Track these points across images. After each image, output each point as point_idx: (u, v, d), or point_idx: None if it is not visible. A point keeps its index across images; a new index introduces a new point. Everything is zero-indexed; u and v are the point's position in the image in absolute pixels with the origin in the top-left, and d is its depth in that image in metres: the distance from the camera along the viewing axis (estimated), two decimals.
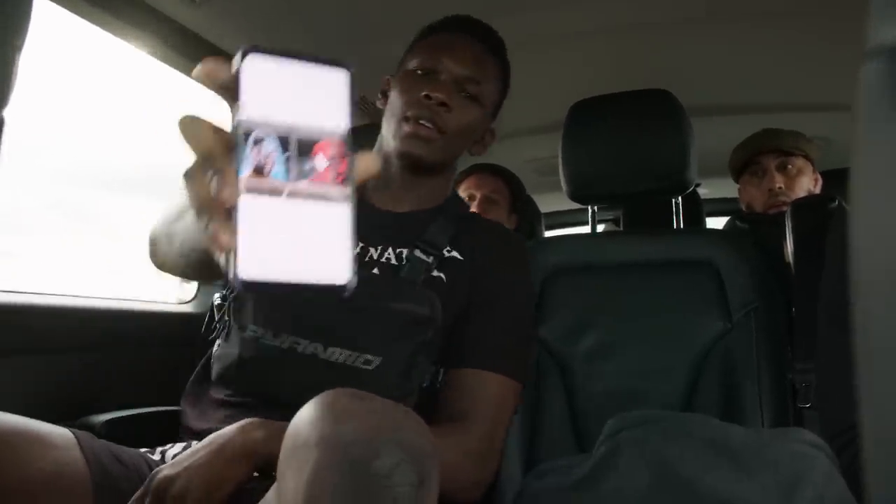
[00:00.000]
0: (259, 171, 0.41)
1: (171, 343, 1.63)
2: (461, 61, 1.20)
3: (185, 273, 1.00)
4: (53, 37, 1.46)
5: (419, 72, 1.21)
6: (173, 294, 1.81)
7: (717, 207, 3.03)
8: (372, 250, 1.18)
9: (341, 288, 0.43)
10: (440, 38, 1.25)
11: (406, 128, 1.15)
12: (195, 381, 1.20)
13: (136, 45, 1.46)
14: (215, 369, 1.13)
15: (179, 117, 0.44)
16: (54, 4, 1.27)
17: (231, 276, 0.41)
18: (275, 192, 0.42)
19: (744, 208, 2.17)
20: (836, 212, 1.47)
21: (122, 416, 1.35)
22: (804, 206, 1.60)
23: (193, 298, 1.78)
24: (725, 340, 1.34)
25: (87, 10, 1.33)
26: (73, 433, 0.96)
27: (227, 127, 0.44)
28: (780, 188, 1.98)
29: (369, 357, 1.06)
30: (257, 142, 0.42)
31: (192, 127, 0.44)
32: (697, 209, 2.36)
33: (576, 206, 1.67)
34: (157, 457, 1.07)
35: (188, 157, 0.46)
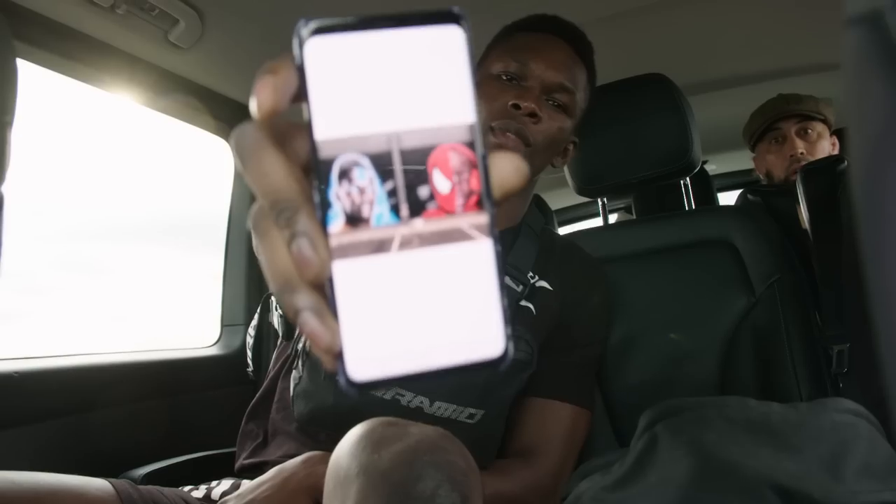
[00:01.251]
0: (354, 218, 0.29)
1: (202, 387, 1.64)
2: (552, 66, 1.10)
3: None
4: (46, 97, 1.48)
5: (504, 77, 1.10)
6: (196, 338, 1.82)
7: (728, 182, 3.01)
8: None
9: (496, 362, 0.31)
10: (527, 40, 1.15)
11: (489, 139, 1.05)
12: (255, 415, 1.18)
13: (129, 97, 1.47)
14: (301, 406, 1.04)
15: (236, 137, 0.31)
16: (42, 68, 1.29)
17: (340, 378, 0.29)
18: (382, 245, 0.29)
19: (762, 177, 2.15)
20: (846, 172, 1.46)
21: (162, 467, 1.36)
22: (814, 171, 1.59)
23: (218, 341, 1.79)
24: (752, 316, 1.32)
25: (76, 70, 1.34)
26: (111, 482, 0.96)
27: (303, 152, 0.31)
28: (801, 153, 1.96)
29: (472, 411, 1.03)
30: (345, 172, 0.29)
31: (252, 155, 0.30)
32: (708, 187, 2.35)
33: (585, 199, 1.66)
34: (200, 493, 1.07)
35: (253, 200, 0.32)
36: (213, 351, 1.77)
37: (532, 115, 1.06)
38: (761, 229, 1.39)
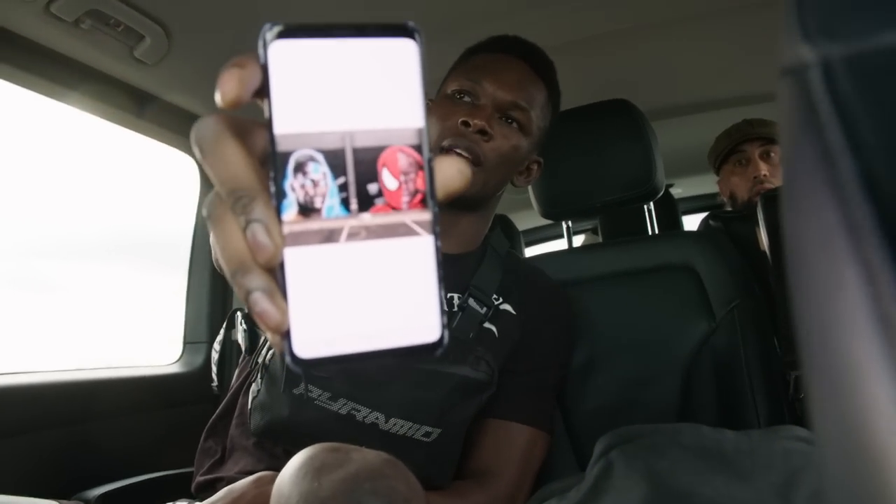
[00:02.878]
0: (306, 208, 0.31)
1: (161, 406, 1.62)
2: (504, 85, 1.09)
3: None
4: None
5: (458, 96, 1.10)
6: (155, 356, 1.80)
7: (693, 205, 3.06)
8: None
9: (432, 347, 0.33)
10: (482, 60, 1.15)
11: None
12: (214, 431, 1.17)
13: (93, 112, 1.46)
14: (257, 418, 1.03)
15: (196, 128, 0.33)
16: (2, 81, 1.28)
17: (285, 355, 0.31)
18: (331, 235, 0.31)
19: (725, 199, 2.18)
20: None
21: (118, 488, 1.34)
22: (773, 198, 1.61)
23: (180, 358, 1.77)
24: (712, 341, 1.34)
25: (37, 84, 1.33)
26: None
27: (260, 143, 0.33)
28: (764, 175, 2.00)
29: (428, 429, 1.02)
30: (300, 166, 0.31)
31: (213, 145, 0.32)
32: (673, 210, 2.38)
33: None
34: None
35: (211, 186, 0.34)
36: (175, 368, 1.75)
37: (482, 132, 1.05)
38: (722, 254, 1.41)
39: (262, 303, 0.30)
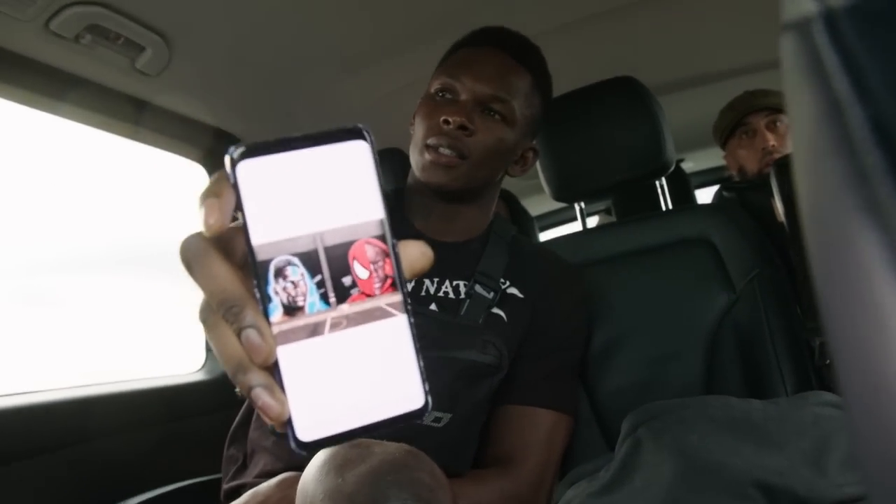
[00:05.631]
0: (291, 308, 0.35)
1: (189, 413, 1.63)
2: (482, 78, 1.10)
3: None
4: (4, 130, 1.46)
5: (439, 94, 1.12)
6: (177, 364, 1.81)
7: (706, 179, 3.04)
8: (427, 283, 1.11)
9: (418, 413, 0.37)
10: (463, 55, 1.16)
11: (426, 157, 1.07)
12: (235, 439, 1.18)
13: (97, 126, 1.47)
14: None
15: (182, 247, 0.36)
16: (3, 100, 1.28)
17: (290, 441, 0.34)
18: (316, 328, 0.35)
19: (734, 173, 2.16)
20: None
21: (151, 498, 1.35)
22: (786, 165, 1.60)
23: (203, 366, 1.78)
24: (733, 313, 1.33)
25: (41, 102, 1.33)
26: None
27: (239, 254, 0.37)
28: (773, 146, 1.97)
29: (438, 415, 1.03)
30: (279, 270, 0.34)
31: (199, 262, 0.36)
32: (685, 185, 2.36)
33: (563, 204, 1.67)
34: None
35: (199, 297, 0.37)
36: (199, 376, 1.76)
37: (462, 128, 1.06)
38: (738, 225, 1.40)
39: (264, 397, 0.34)
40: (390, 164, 1.75)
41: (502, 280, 1.16)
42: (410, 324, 0.37)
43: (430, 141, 1.07)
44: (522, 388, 1.12)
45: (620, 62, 1.69)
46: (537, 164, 1.50)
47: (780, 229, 1.56)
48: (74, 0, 1.16)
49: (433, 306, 1.09)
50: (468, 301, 1.10)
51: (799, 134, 0.28)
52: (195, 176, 1.78)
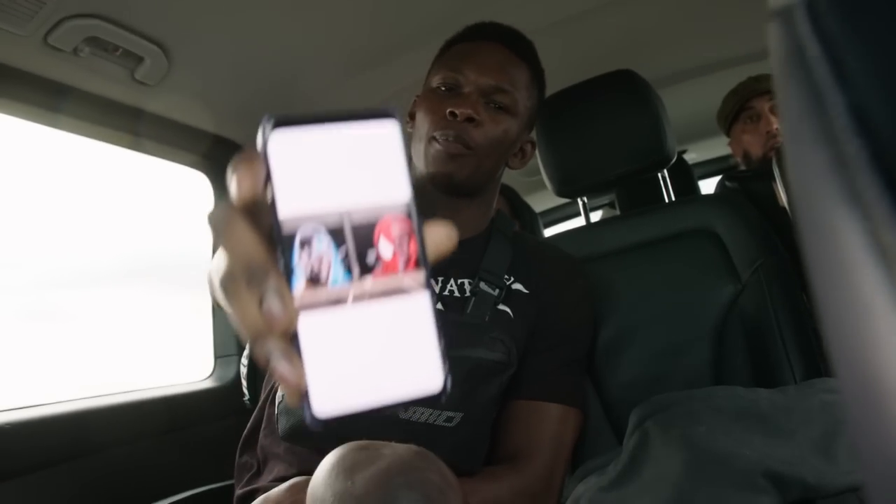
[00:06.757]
0: (314, 279, 0.34)
1: (200, 420, 1.63)
2: (486, 70, 1.11)
3: None
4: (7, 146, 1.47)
5: (442, 88, 1.13)
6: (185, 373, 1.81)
7: (709, 169, 3.03)
8: (431, 282, 1.09)
9: (437, 396, 0.36)
10: (462, 49, 1.17)
11: (434, 147, 1.08)
12: (248, 446, 1.18)
13: (98, 139, 1.47)
14: (284, 422, 1.04)
15: (210, 214, 0.36)
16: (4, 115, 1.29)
17: (305, 415, 0.34)
18: (338, 302, 0.35)
19: (739, 160, 2.15)
20: None
21: None
22: None
23: (212, 373, 1.79)
24: (740, 303, 1.33)
25: (41, 115, 1.34)
26: None
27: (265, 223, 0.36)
28: (777, 129, 1.97)
29: (450, 414, 1.01)
30: (305, 242, 0.34)
31: (226, 227, 0.36)
32: (688, 177, 2.36)
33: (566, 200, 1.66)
34: None
35: (222, 263, 0.37)
36: (209, 384, 1.76)
37: (470, 119, 1.07)
38: (742, 215, 1.39)
39: (282, 366, 0.33)
40: None
41: (506, 276, 1.16)
42: (433, 304, 0.37)
43: (437, 133, 1.08)
44: (530, 382, 1.12)
45: (619, 56, 1.69)
46: (538, 160, 1.50)
47: (784, 216, 1.56)
48: (72, 13, 1.17)
49: (438, 305, 1.08)
50: (473, 299, 1.10)
51: (785, 122, 0.29)
52: (198, 185, 1.79)
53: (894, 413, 0.20)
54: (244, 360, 1.64)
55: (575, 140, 1.46)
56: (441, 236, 0.38)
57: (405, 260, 0.36)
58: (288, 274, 0.34)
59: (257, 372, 1.65)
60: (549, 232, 2.99)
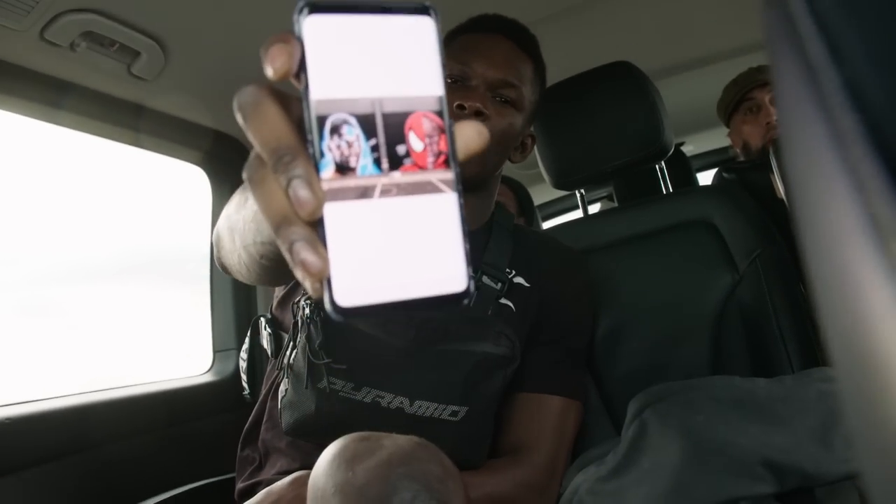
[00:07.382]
0: (343, 167, 0.34)
1: (199, 415, 1.63)
2: (494, 64, 1.10)
3: (250, 278, 0.72)
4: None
5: (449, 81, 1.09)
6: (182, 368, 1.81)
7: (706, 161, 3.03)
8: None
9: (459, 296, 0.35)
10: (468, 41, 1.15)
11: None
12: (250, 440, 1.19)
13: (95, 134, 1.47)
14: (287, 417, 1.03)
15: (238, 96, 0.36)
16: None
17: (326, 304, 0.33)
18: (366, 192, 0.34)
19: (738, 151, 2.15)
20: None
21: (164, 499, 1.35)
22: None
23: (211, 367, 1.79)
24: (737, 293, 1.33)
25: (37, 110, 1.34)
26: None
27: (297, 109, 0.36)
28: (776, 120, 1.97)
29: (455, 408, 1.02)
30: (335, 129, 0.34)
31: (255, 109, 0.35)
32: (686, 168, 2.36)
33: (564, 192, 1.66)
34: None
35: (252, 147, 0.36)
36: (208, 378, 1.76)
37: (478, 113, 1.06)
38: (739, 206, 1.40)
39: (305, 252, 0.33)
40: None
41: (508, 270, 1.16)
42: (460, 204, 0.36)
43: None
44: (531, 375, 1.12)
45: (616, 47, 1.69)
46: (536, 153, 1.50)
47: (782, 207, 1.56)
48: (68, 8, 1.17)
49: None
50: (475, 293, 1.10)
51: (781, 100, 0.29)
52: (196, 181, 1.79)
53: (888, 392, 0.21)
54: (243, 355, 1.63)
55: (572, 132, 1.46)
56: (472, 134, 0.38)
57: (434, 157, 0.35)
58: (317, 158, 0.34)
59: (257, 366, 1.65)
60: (546, 225, 2.99)
